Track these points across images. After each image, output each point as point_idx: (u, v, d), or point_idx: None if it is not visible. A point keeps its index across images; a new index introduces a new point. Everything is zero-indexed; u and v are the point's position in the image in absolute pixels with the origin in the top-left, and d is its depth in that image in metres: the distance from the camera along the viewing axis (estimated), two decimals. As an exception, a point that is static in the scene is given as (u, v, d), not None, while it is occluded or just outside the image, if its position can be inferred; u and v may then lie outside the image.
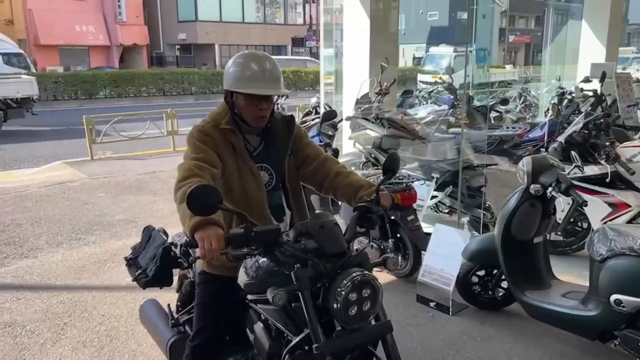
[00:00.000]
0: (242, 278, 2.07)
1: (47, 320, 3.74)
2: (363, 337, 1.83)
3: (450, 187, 5.12)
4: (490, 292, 3.78)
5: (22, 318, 3.79)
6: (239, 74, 2.12)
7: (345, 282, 1.71)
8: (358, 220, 2.02)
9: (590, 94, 6.92)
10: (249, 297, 2.10)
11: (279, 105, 7.23)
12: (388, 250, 4.19)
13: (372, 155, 6.22)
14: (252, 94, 2.11)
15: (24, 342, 3.47)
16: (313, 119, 7.26)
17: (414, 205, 4.32)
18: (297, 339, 1.84)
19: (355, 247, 2.00)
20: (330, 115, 5.80)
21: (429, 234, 4.10)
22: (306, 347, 1.81)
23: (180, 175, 2.01)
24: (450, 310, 3.76)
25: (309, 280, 1.75)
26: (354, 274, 1.73)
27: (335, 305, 1.71)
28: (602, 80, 6.65)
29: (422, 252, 4.10)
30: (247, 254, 1.79)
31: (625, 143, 4.45)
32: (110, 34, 30.43)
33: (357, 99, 6.66)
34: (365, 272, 1.76)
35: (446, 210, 5.46)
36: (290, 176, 2.32)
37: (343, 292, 1.70)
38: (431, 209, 5.45)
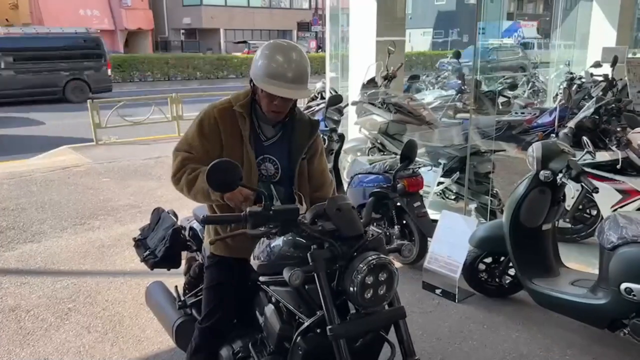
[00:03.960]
0: (254, 260, 2.06)
1: (51, 305, 3.74)
2: (377, 321, 1.82)
3: (458, 173, 5.06)
4: (497, 280, 3.74)
5: (26, 303, 3.78)
6: (264, 66, 2.06)
7: (362, 265, 1.69)
8: (374, 206, 2.01)
9: (601, 78, 6.80)
10: (261, 279, 2.09)
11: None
12: (394, 237, 4.16)
13: (378, 141, 6.15)
14: None
15: (27, 327, 3.46)
16: (318, 104, 7.18)
17: (421, 192, 4.27)
18: (310, 321, 1.83)
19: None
20: (336, 100, 5.73)
21: (435, 221, 4.06)
22: (318, 330, 1.81)
23: (174, 169, 2.17)
24: (457, 297, 3.73)
25: (325, 261, 1.74)
26: (371, 258, 1.71)
27: (351, 288, 1.70)
28: (613, 64, 6.53)
29: (429, 238, 4.07)
30: (264, 233, 1.79)
31: (636, 129, 4.35)
32: (115, 18, 30.29)
33: (363, 84, 6.57)
34: (382, 255, 1.74)
35: (453, 197, 5.41)
36: (300, 178, 2.28)
37: (360, 275, 1.68)
38: (438, 195, 5.40)
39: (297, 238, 1.83)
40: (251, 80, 2.16)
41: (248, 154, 2.16)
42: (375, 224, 4.21)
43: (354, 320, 1.76)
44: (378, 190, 2.04)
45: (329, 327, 1.70)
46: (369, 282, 1.70)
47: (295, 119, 2.26)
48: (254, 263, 2.05)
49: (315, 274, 1.73)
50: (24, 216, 5.60)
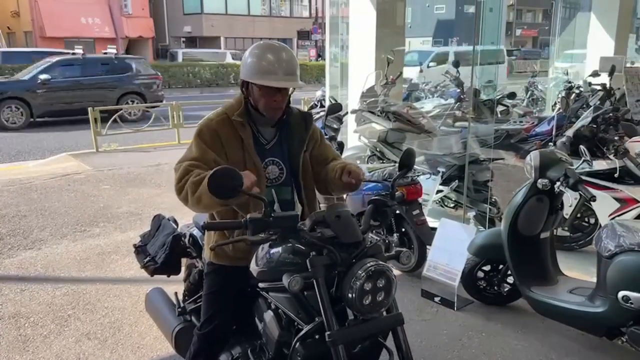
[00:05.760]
0: (254, 266, 2.08)
1: (50, 312, 3.75)
2: (375, 327, 1.83)
3: (456, 181, 5.08)
4: (495, 288, 3.75)
5: (26, 309, 3.79)
6: (255, 64, 2.10)
7: (360, 271, 1.71)
8: (373, 213, 2.02)
9: (599, 87, 6.84)
10: (261, 285, 2.10)
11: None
12: (393, 244, 4.17)
13: (378, 149, 6.19)
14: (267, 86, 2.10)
15: (27, 334, 3.47)
16: (318, 112, 7.21)
17: (420, 200, 4.28)
18: (309, 327, 1.84)
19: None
20: (336, 108, 5.76)
21: (434, 229, 4.07)
22: (316, 336, 1.83)
23: (177, 177, 2.08)
24: (455, 305, 3.74)
25: (324, 268, 1.76)
26: (369, 264, 1.73)
27: (350, 295, 1.71)
28: (611, 74, 6.58)
29: (427, 246, 4.08)
30: (264, 240, 1.80)
31: (634, 138, 4.38)
32: (115, 26, 30.41)
33: (363, 92, 6.61)
34: (380, 262, 1.76)
35: (452, 205, 5.43)
36: (304, 172, 2.30)
37: (358, 282, 1.70)
38: (437, 203, 5.42)
39: (297, 245, 1.85)
40: (242, 85, 2.19)
41: (253, 160, 2.17)
42: (374, 231, 4.24)
43: (352, 326, 1.78)
44: (377, 197, 2.06)
45: (328, 333, 1.71)
46: (368, 289, 1.72)
47: (290, 116, 2.29)
48: (254, 269, 2.07)
49: (314, 280, 1.74)
50: (24, 223, 5.61)
